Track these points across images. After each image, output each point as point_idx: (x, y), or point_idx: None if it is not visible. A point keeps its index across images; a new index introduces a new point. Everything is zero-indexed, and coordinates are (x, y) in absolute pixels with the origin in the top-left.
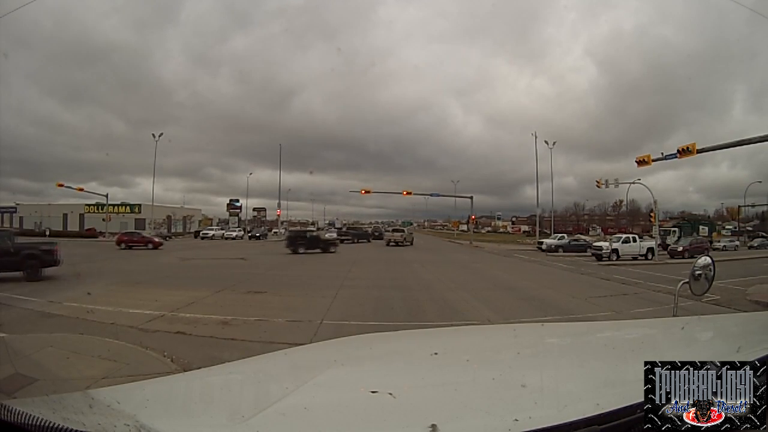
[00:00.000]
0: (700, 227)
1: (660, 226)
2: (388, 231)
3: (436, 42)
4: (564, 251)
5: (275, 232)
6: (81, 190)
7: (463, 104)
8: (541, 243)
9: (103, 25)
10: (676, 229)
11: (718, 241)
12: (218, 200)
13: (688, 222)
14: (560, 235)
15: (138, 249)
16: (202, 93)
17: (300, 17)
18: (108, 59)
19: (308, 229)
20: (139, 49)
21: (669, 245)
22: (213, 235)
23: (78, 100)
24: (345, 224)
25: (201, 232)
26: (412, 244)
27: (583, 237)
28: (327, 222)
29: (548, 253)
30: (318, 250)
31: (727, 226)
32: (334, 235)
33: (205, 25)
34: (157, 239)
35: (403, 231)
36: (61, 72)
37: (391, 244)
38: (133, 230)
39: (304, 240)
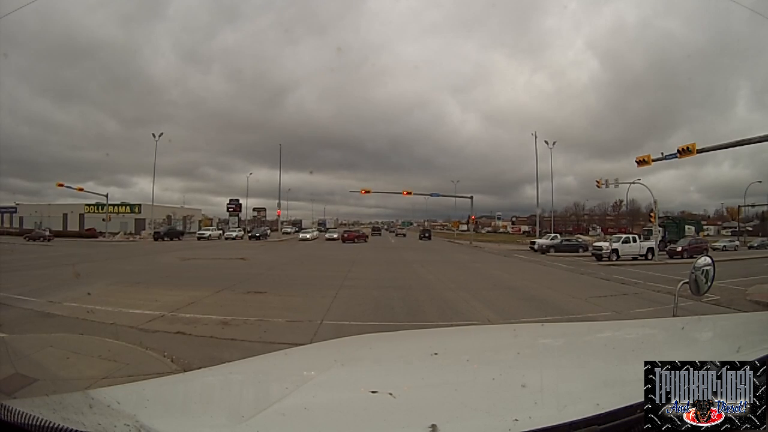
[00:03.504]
0: (686, 227)
1: (644, 226)
2: (399, 228)
3: (431, 36)
4: (556, 251)
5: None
6: (81, 190)
7: (460, 102)
8: (534, 243)
9: (89, 21)
10: (660, 228)
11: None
12: (217, 200)
13: (673, 221)
14: (553, 234)
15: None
16: (195, 91)
17: (292, 13)
18: (97, 57)
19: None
20: (127, 46)
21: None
22: (210, 235)
23: (70, 99)
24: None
25: (197, 233)
26: (404, 236)
27: (582, 237)
28: (318, 222)
29: (541, 253)
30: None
31: (705, 227)
32: (335, 235)
33: (194, 21)
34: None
35: (404, 229)
36: (51, 70)
37: (399, 235)
38: (355, 227)
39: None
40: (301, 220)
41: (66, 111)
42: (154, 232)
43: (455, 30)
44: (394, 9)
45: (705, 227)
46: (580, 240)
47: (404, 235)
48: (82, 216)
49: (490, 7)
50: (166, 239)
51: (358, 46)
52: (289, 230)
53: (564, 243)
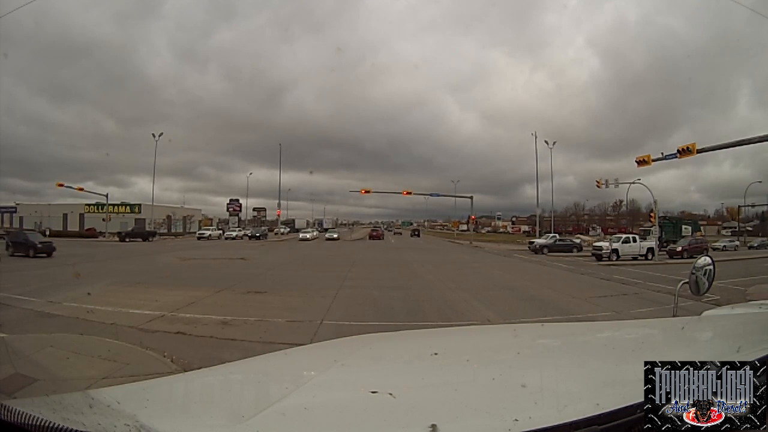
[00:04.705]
0: (683, 226)
1: (641, 226)
2: (397, 228)
3: (430, 34)
4: (549, 251)
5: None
6: (81, 189)
7: (459, 101)
8: (533, 243)
9: (84, 20)
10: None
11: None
12: (217, 200)
13: (670, 221)
14: (552, 234)
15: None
16: (192, 90)
17: (289, 11)
18: (93, 56)
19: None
20: (123, 44)
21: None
22: (210, 235)
23: (68, 98)
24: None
25: (197, 232)
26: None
27: (582, 237)
28: (315, 221)
29: (535, 253)
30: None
31: (706, 227)
32: (335, 235)
33: (190, 20)
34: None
35: (401, 228)
36: (48, 70)
37: (396, 233)
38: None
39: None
40: (293, 220)
41: (64, 111)
42: (117, 233)
43: (454, 28)
44: (392, 7)
45: (705, 227)
46: (574, 240)
47: (400, 234)
48: (82, 216)
49: (489, 4)
50: (128, 240)
51: (356, 45)
52: (283, 230)
53: (558, 243)
